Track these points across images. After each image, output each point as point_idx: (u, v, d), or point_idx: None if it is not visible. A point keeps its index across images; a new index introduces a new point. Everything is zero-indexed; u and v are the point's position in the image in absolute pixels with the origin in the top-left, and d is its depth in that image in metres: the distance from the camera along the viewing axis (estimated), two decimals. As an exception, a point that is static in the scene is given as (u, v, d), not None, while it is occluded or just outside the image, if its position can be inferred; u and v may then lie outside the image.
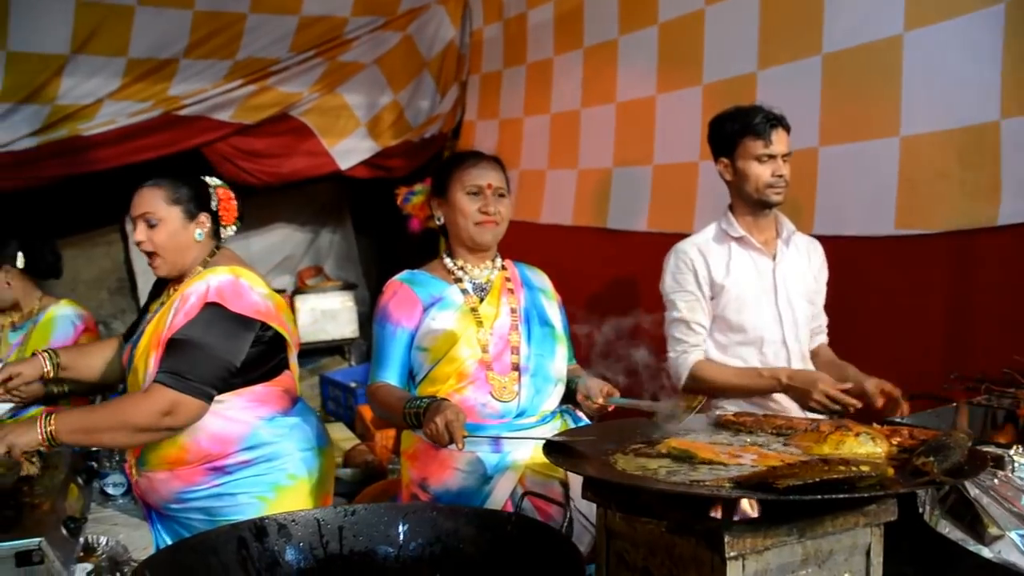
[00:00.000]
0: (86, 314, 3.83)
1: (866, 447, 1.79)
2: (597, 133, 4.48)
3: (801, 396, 2.58)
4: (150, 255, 2.48)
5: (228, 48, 5.10)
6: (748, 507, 1.58)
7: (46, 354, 2.61)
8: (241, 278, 2.44)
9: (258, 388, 2.49)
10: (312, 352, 6.20)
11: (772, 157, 2.68)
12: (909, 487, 1.53)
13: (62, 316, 3.72)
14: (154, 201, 2.44)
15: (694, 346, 2.77)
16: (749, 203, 2.77)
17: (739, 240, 2.79)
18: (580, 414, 2.58)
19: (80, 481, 2.86)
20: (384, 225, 6.57)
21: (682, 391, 2.75)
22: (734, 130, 2.72)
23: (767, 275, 2.79)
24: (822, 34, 3.22)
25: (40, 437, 2.27)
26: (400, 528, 1.83)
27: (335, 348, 6.28)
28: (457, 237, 2.52)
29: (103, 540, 2.67)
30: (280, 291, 6.16)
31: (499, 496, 2.35)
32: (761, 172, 2.69)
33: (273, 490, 2.47)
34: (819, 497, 1.44)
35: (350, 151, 5.72)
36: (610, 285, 4.29)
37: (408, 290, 2.48)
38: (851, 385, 2.51)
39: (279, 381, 2.56)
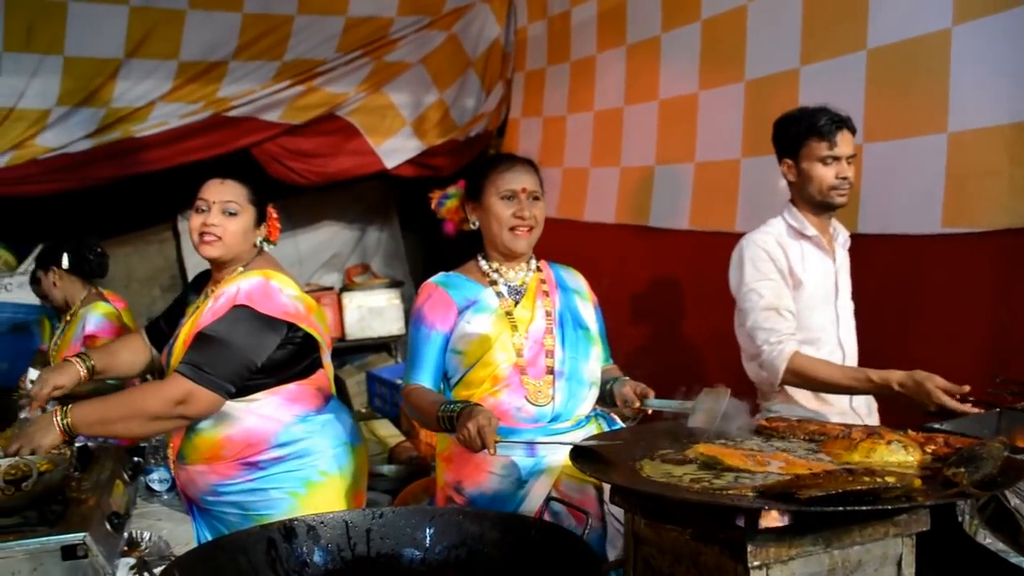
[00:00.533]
0: (104, 321, 3.86)
1: (897, 455, 1.76)
2: (639, 131, 4.44)
3: (922, 399, 2.37)
4: (212, 236, 2.52)
5: (276, 49, 5.19)
6: (775, 516, 1.57)
7: (79, 359, 2.66)
8: (272, 280, 2.51)
9: (291, 387, 2.55)
10: (358, 349, 6.27)
11: (836, 159, 2.64)
12: (935, 499, 1.49)
13: (81, 318, 3.84)
14: (239, 194, 2.54)
15: (788, 335, 2.62)
16: (812, 204, 2.73)
17: (811, 239, 2.75)
18: (615, 417, 2.57)
19: (126, 477, 2.93)
20: (430, 223, 6.59)
21: (779, 386, 2.68)
22: (799, 131, 2.68)
23: (830, 276, 2.77)
24: (867, 29, 3.15)
25: (59, 433, 2.36)
26: (427, 531, 1.84)
27: (381, 345, 6.33)
28: (491, 242, 2.51)
29: (146, 535, 2.74)
30: (327, 288, 6.27)
31: (534, 500, 2.33)
32: (825, 174, 2.65)
33: (305, 486, 2.52)
34: (840, 509, 1.41)
35: (396, 150, 5.77)
36: (652, 283, 4.26)
37: (443, 293, 2.48)
38: (967, 388, 2.31)
39: (312, 380, 2.62)
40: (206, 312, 2.48)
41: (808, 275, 2.72)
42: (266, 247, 2.67)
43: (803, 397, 2.75)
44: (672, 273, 4.13)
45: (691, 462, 1.83)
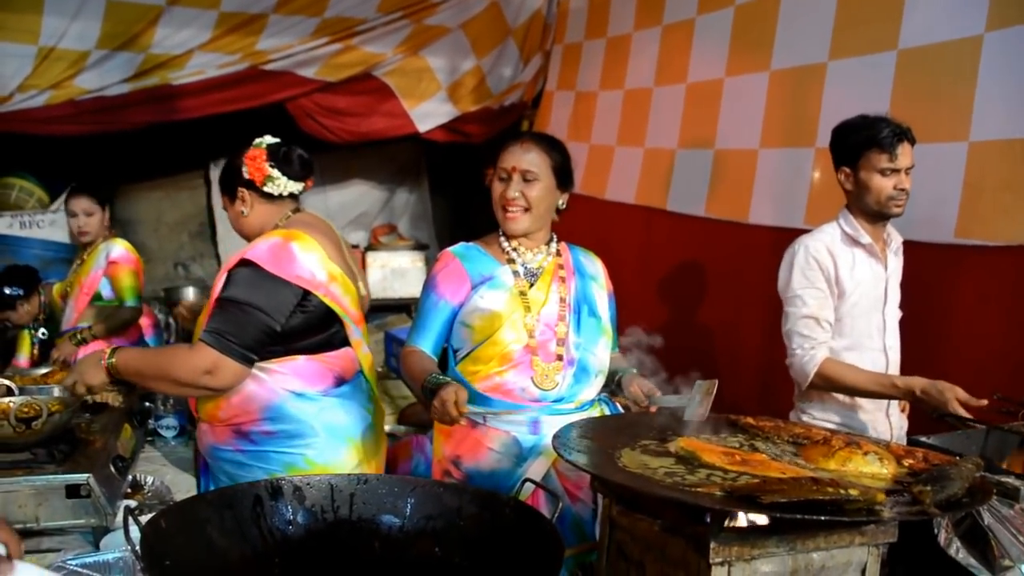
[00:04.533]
0: (125, 252, 4.22)
1: (872, 467, 1.77)
2: (666, 112, 4.42)
3: (936, 407, 2.47)
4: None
5: (317, 5, 5.20)
6: (739, 516, 1.60)
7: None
8: (293, 242, 2.37)
9: (299, 360, 2.40)
10: (379, 309, 6.32)
11: (896, 171, 2.65)
12: (894, 516, 1.51)
13: (102, 251, 4.19)
14: (223, 185, 2.60)
15: (821, 343, 2.69)
16: (867, 213, 2.74)
17: (864, 247, 2.76)
18: (618, 404, 2.59)
19: (135, 422, 3.03)
20: (460, 188, 6.62)
21: (807, 389, 2.75)
22: (859, 140, 2.68)
23: (880, 284, 2.78)
24: (900, 28, 3.10)
25: (105, 372, 2.37)
26: (408, 501, 1.88)
27: (402, 306, 6.38)
28: (499, 223, 2.52)
29: (150, 480, 2.84)
30: (353, 246, 6.33)
31: (532, 478, 2.33)
32: (884, 185, 2.66)
33: (287, 470, 2.38)
34: (799, 516, 1.44)
35: (429, 114, 5.78)
36: (668, 267, 4.27)
37: (459, 265, 2.48)
38: (985, 402, 2.39)
39: (325, 357, 2.45)
40: (222, 274, 2.39)
41: (856, 283, 2.74)
42: (275, 188, 2.50)
43: (837, 400, 2.79)
44: (687, 258, 4.13)
45: (670, 455, 1.86)
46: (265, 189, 2.50)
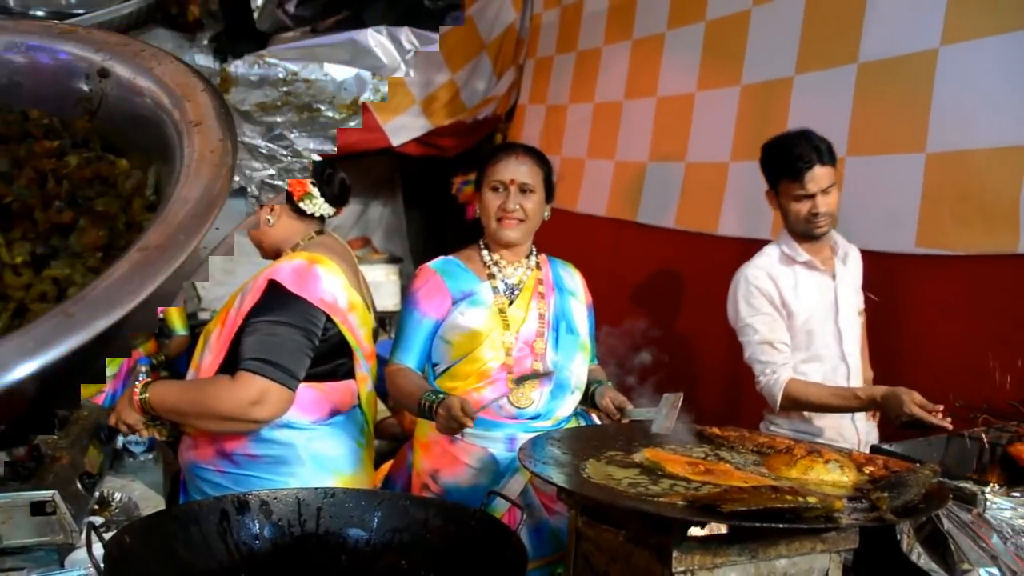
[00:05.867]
0: None
1: (833, 475, 1.81)
2: (636, 126, 4.47)
3: (894, 411, 2.51)
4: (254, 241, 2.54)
5: (289, 21, 5.19)
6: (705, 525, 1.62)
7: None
8: (317, 265, 2.33)
9: (299, 387, 2.32)
10: (353, 322, 6.32)
11: (809, 196, 2.69)
12: (852, 523, 1.54)
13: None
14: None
15: (782, 365, 2.74)
16: (795, 233, 2.80)
17: (804, 264, 2.81)
18: (594, 417, 2.61)
19: (102, 436, 3.00)
20: (434, 201, 6.62)
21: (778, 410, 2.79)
22: (775, 168, 2.77)
23: (829, 294, 2.82)
24: (860, 43, 3.16)
25: (138, 409, 2.34)
26: (374, 514, 1.89)
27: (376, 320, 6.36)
28: (487, 232, 2.52)
29: (117, 496, 2.81)
30: (326, 260, 6.30)
31: (509, 494, 2.33)
32: (799, 209, 2.73)
33: None
34: (757, 524, 1.46)
35: (403, 128, 5.75)
36: (639, 278, 4.30)
37: (439, 281, 2.48)
38: (941, 407, 2.42)
39: (325, 387, 2.39)
40: (246, 295, 2.32)
41: (801, 301, 2.78)
42: (310, 207, 2.45)
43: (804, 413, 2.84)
44: (658, 270, 4.17)
45: (635, 466, 1.88)
46: (300, 205, 2.45)
